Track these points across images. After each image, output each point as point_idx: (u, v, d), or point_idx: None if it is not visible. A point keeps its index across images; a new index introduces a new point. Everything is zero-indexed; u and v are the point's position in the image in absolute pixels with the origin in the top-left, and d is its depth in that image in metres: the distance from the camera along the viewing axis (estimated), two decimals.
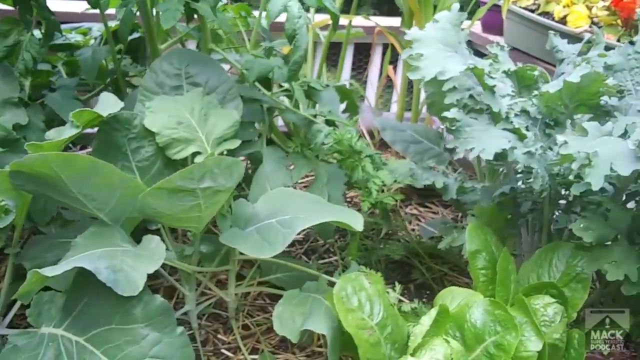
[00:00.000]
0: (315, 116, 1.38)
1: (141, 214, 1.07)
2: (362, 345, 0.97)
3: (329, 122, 1.41)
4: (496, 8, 2.39)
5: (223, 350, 1.40)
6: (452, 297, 1.22)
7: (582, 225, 1.08)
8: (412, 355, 1.02)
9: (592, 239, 1.07)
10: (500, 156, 1.09)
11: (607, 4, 2.09)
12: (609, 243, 1.12)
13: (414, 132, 1.77)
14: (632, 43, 1.40)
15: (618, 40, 2.36)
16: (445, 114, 1.13)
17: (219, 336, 1.44)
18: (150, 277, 0.98)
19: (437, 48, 1.23)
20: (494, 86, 1.15)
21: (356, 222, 1.07)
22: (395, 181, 1.52)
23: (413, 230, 1.99)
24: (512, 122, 1.14)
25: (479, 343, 1.06)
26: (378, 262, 1.75)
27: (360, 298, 1.05)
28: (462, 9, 1.33)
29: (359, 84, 2.60)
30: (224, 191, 1.04)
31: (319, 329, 1.01)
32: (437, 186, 1.49)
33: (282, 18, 1.25)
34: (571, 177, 1.05)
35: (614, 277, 1.06)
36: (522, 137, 1.13)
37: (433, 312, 1.05)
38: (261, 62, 1.26)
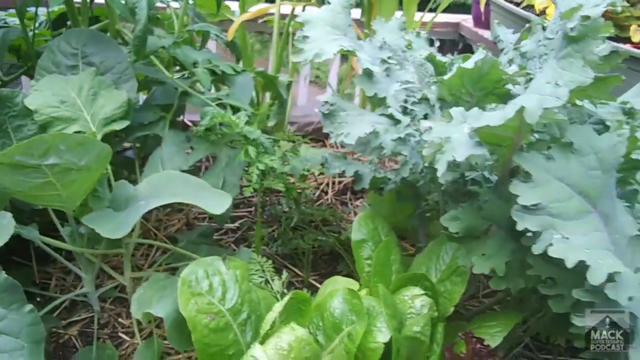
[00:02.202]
0: (217, 100, 1.35)
1: None
2: (197, 329, 0.95)
3: (233, 107, 1.38)
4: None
5: (120, 334, 1.40)
6: (334, 286, 1.19)
7: (449, 216, 1.03)
8: (262, 343, 0.99)
9: (459, 229, 1.02)
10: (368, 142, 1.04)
11: None
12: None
13: None
14: (544, 29, 1.33)
15: None
16: (318, 97, 1.09)
17: (120, 320, 1.43)
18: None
19: (324, 30, 1.19)
20: (371, 71, 1.10)
21: (215, 207, 1.04)
22: (307, 170, 1.49)
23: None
24: (389, 107, 1.09)
25: (337, 333, 1.03)
26: (303, 253, 1.72)
27: (213, 282, 1.02)
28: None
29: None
30: (78, 170, 1.02)
31: (159, 313, 0.99)
32: (347, 175, 1.45)
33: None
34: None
35: (480, 270, 1.01)
36: (395, 123, 1.08)
37: (285, 299, 1.02)
38: (149, 41, 1.25)
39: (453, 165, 1.11)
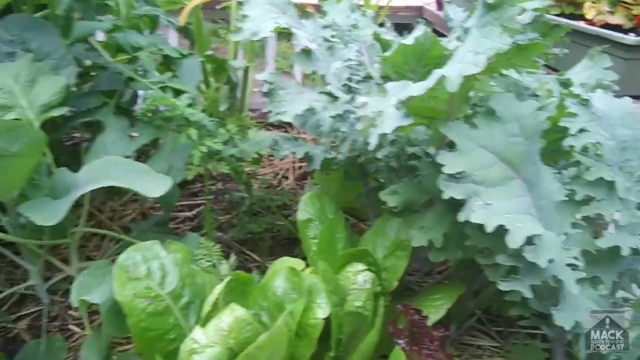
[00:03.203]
0: (160, 84, 1.33)
1: None
2: (133, 314, 0.94)
3: (178, 91, 1.36)
4: None
5: (70, 326, 1.38)
6: (281, 266, 1.18)
7: (388, 190, 1.03)
8: (203, 325, 0.99)
9: (397, 203, 1.02)
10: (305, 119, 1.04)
11: None
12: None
13: None
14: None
15: (547, 12, 2.30)
16: (258, 76, 1.08)
17: (70, 312, 1.41)
18: None
19: (264, 9, 1.17)
20: (309, 49, 1.10)
21: (152, 191, 1.03)
22: (258, 153, 1.48)
23: None
24: (328, 84, 1.09)
25: (280, 312, 1.02)
26: (261, 238, 1.72)
27: (151, 266, 1.01)
28: None
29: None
30: (10, 157, 1.00)
31: (95, 299, 0.98)
32: (297, 156, 1.44)
33: None
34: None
35: (418, 243, 1.01)
36: (334, 100, 1.08)
37: (225, 280, 1.01)
38: (83, 25, 1.22)
39: (388, 140, 1.11)
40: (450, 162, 0.81)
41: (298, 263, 1.18)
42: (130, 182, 1.05)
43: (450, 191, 0.80)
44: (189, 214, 1.85)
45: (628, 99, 0.98)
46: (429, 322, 1.09)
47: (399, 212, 1.04)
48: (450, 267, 1.45)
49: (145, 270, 1.00)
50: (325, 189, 1.37)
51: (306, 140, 2.01)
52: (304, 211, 1.22)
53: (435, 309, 1.13)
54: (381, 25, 1.73)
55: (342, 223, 1.23)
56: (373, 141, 0.89)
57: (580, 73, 1.39)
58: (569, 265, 0.82)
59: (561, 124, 0.89)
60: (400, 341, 0.96)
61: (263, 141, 1.46)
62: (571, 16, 2.18)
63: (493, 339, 1.41)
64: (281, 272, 1.04)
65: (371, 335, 1.00)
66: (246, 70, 1.94)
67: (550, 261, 0.75)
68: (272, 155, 1.50)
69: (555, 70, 1.84)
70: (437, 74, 0.79)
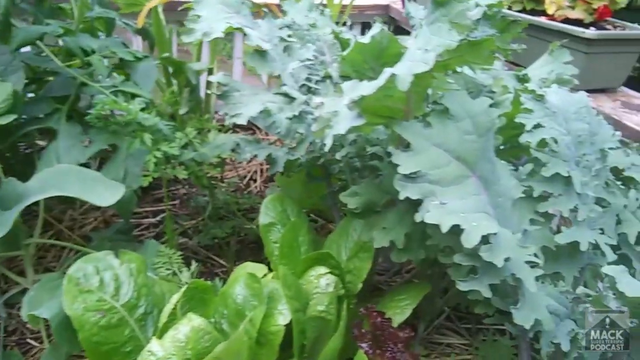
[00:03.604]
0: (112, 88, 1.29)
1: None
2: (85, 329, 0.90)
3: (133, 95, 1.32)
4: None
5: (29, 340, 1.33)
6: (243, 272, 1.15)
7: (348, 192, 1.01)
8: (160, 336, 0.95)
9: (357, 204, 1.00)
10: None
11: None
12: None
13: None
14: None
15: (509, 8, 2.31)
16: (210, 78, 1.05)
17: (28, 326, 1.36)
18: None
19: (216, 9, 1.14)
20: (262, 49, 1.07)
21: (104, 199, 0.99)
22: (218, 157, 1.45)
23: None
24: (284, 85, 1.06)
25: (240, 319, 1.00)
26: (228, 243, 1.68)
27: (104, 278, 0.98)
28: None
29: None
30: None
31: (44, 314, 0.94)
32: (259, 159, 1.42)
33: None
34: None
35: (380, 244, 1.00)
36: (291, 101, 1.05)
37: (182, 289, 0.98)
38: (28, 29, 1.17)
39: (349, 140, 1.10)
40: (405, 162, 0.79)
41: (261, 268, 1.15)
42: (80, 191, 1.01)
43: (406, 191, 0.78)
44: (153, 220, 1.81)
45: (583, 93, 0.98)
46: (395, 323, 1.08)
47: (359, 213, 1.02)
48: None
49: (98, 282, 0.97)
50: (288, 192, 1.34)
51: (270, 141, 1.99)
52: (265, 215, 1.20)
53: (400, 310, 1.11)
54: (343, 24, 1.71)
55: (305, 226, 1.20)
56: (328, 142, 0.87)
57: (541, 68, 1.39)
58: (528, 262, 0.81)
59: (517, 120, 0.89)
60: (364, 345, 0.94)
61: (224, 144, 1.42)
62: (533, 12, 2.19)
63: (462, 336, 1.40)
64: (241, 278, 1.02)
65: (334, 340, 0.98)
66: (210, 72, 1.90)
67: (507, 260, 0.74)
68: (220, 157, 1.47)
69: (520, 66, 1.84)
70: (387, 72, 0.78)
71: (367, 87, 0.78)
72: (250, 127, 2.44)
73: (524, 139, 0.86)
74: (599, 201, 0.92)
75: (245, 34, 1.05)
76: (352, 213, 1.05)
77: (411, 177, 0.79)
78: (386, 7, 3.08)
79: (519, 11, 2.19)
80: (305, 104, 1.05)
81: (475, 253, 0.74)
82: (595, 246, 0.93)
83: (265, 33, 1.16)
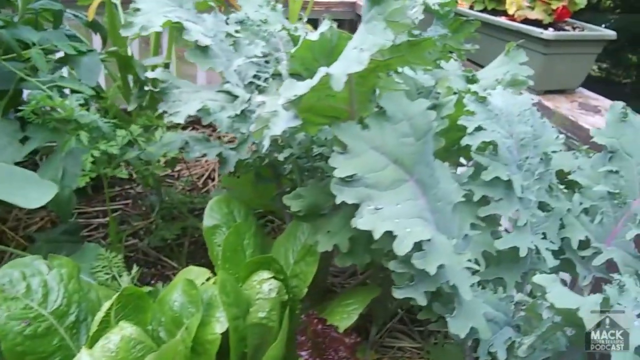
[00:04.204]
0: (51, 83, 1.23)
1: None
2: (7, 338, 0.85)
3: (75, 90, 1.26)
4: None
5: None
6: (186, 277, 1.11)
7: (292, 194, 0.98)
8: (91, 346, 0.91)
9: (301, 207, 0.98)
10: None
11: None
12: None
13: None
14: None
15: (471, 8, 2.31)
16: (149, 74, 1.00)
17: None
18: None
19: (157, 2, 1.10)
20: (204, 44, 1.03)
21: (32, 202, 0.94)
22: (164, 155, 1.40)
23: None
24: (227, 82, 1.02)
25: (178, 327, 0.96)
26: (181, 244, 1.64)
27: (31, 284, 0.92)
28: None
29: None
30: None
31: None
32: (209, 158, 1.37)
33: None
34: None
35: (324, 248, 0.97)
36: (234, 99, 1.01)
37: (114, 296, 0.93)
38: None
39: (297, 140, 1.06)
40: (341, 165, 0.76)
41: (204, 272, 1.11)
42: (7, 192, 0.95)
43: (343, 196, 0.76)
44: (103, 220, 1.75)
45: (527, 96, 0.96)
46: (341, 329, 1.05)
47: (304, 216, 0.99)
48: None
49: (24, 289, 0.91)
50: (238, 193, 1.31)
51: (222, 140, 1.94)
52: (209, 217, 1.16)
53: (347, 315, 1.09)
54: (305, 20, 1.67)
55: (252, 228, 1.17)
56: (265, 144, 0.84)
57: (496, 69, 1.38)
58: (467, 268, 0.79)
59: (460, 122, 0.87)
60: (303, 353, 0.91)
61: (172, 143, 1.37)
62: (494, 12, 2.19)
63: (414, 339, 1.39)
64: (179, 284, 0.98)
65: (274, 348, 0.95)
66: (167, 67, 1.84)
67: (441, 267, 0.72)
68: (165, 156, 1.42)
69: (481, 66, 1.84)
70: (322, 72, 0.75)
71: (301, 87, 0.75)
72: (210, 124, 2.38)
73: (465, 141, 0.85)
74: (541, 205, 0.91)
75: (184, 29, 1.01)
76: (297, 216, 1.02)
77: (348, 181, 0.76)
78: (352, 4, 3.05)
79: (481, 11, 2.19)
80: (248, 103, 1.01)
81: (408, 260, 0.72)
82: (537, 251, 0.91)
83: (210, 28, 1.12)
